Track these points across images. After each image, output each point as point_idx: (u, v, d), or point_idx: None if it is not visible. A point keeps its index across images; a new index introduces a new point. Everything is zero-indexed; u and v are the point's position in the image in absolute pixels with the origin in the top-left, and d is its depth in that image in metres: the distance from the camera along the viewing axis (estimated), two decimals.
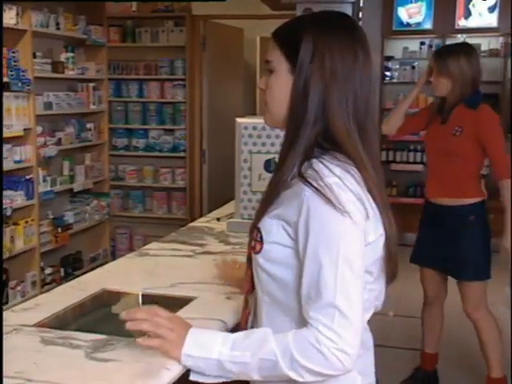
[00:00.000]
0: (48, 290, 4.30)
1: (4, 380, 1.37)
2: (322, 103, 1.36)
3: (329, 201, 1.27)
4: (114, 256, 5.91)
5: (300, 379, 1.28)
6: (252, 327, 1.50)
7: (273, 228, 1.37)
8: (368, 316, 1.44)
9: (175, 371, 1.44)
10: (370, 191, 1.35)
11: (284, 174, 1.37)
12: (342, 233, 1.28)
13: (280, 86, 1.42)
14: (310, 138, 1.36)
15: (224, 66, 7.39)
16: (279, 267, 1.37)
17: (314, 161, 1.33)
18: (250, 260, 1.47)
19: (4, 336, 1.59)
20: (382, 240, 1.38)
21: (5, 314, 1.82)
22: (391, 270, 1.43)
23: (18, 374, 1.39)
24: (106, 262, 5.36)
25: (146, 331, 1.39)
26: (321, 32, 1.39)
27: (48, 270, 4.80)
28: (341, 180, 1.30)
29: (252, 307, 1.53)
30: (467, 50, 3.38)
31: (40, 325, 1.72)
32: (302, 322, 1.33)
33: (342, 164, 1.32)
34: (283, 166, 1.38)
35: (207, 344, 1.37)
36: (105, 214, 5.58)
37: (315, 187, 1.29)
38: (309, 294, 1.28)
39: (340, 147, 1.35)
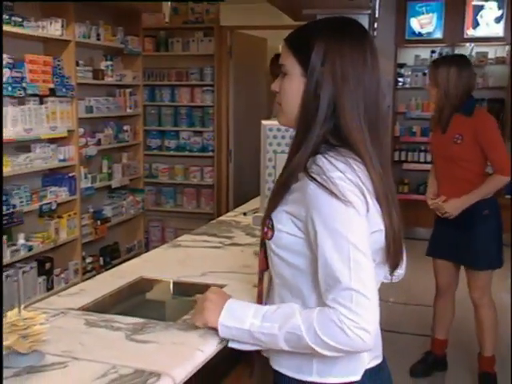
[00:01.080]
0: (89, 278, 4.35)
1: (52, 358, 1.38)
2: (333, 104, 1.35)
3: (332, 193, 1.26)
4: (147, 247, 5.94)
5: (324, 353, 1.29)
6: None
7: (283, 219, 1.38)
8: None
9: (208, 352, 1.46)
10: (373, 187, 1.33)
11: (294, 168, 1.37)
12: (348, 222, 1.27)
13: (293, 88, 1.41)
14: (319, 136, 1.35)
15: (249, 72, 7.38)
16: (290, 253, 1.38)
17: (319, 156, 1.32)
18: (263, 243, 1.47)
19: (51, 318, 1.61)
20: (382, 233, 1.36)
21: (52, 298, 1.84)
22: (393, 260, 1.41)
23: (65, 353, 1.41)
24: (141, 253, 5.43)
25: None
26: (331, 37, 1.38)
27: (88, 259, 4.83)
28: (343, 174, 1.29)
29: (266, 288, 1.53)
30: (459, 61, 3.31)
31: (84, 309, 1.74)
32: (312, 305, 1.35)
33: (346, 159, 1.31)
34: (293, 161, 1.38)
35: (240, 316, 1.40)
36: (139, 208, 5.60)
37: (319, 181, 1.28)
38: (327, 282, 1.28)
39: (348, 144, 1.34)
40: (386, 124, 1.45)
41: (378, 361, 1.47)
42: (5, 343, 1.36)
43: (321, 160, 1.30)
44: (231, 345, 1.44)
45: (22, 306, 1.41)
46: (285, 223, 1.37)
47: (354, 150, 1.33)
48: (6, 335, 1.36)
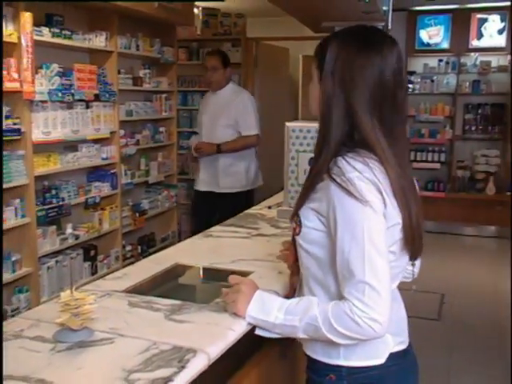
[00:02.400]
0: (128, 264, 4.39)
1: (101, 334, 1.40)
2: (345, 107, 1.33)
3: (351, 194, 1.26)
4: (179, 237, 5.95)
5: (338, 341, 1.30)
6: (299, 294, 1.52)
7: (309, 216, 1.37)
8: (394, 286, 1.43)
9: (239, 332, 1.46)
10: (390, 183, 1.31)
11: (318, 170, 1.35)
12: (365, 220, 1.26)
13: (314, 93, 1.42)
14: (338, 138, 1.34)
15: (272, 79, 7.38)
16: (315, 247, 1.38)
17: (339, 158, 1.30)
18: (293, 239, 1.47)
19: (99, 299, 1.62)
20: (399, 226, 1.34)
21: (99, 281, 1.86)
22: (414, 252, 1.40)
23: (112, 330, 1.43)
24: (174, 242, 5.48)
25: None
26: (341, 43, 1.35)
27: (128, 247, 4.87)
28: (361, 173, 1.27)
29: (298, 280, 1.54)
30: None
31: (127, 291, 1.76)
32: (335, 294, 1.35)
33: (364, 159, 1.30)
34: (318, 162, 1.37)
35: (267, 309, 1.42)
36: (173, 202, 5.62)
37: (338, 182, 1.27)
38: (343, 275, 1.29)
39: (365, 145, 1.32)
40: (403, 123, 1.42)
41: (404, 346, 1.45)
42: (59, 320, 1.39)
43: (341, 162, 1.29)
44: (257, 332, 1.46)
45: (74, 288, 1.43)
46: (311, 219, 1.36)
47: (371, 150, 1.32)
48: (60, 313, 1.39)
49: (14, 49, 3.31)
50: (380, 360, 1.39)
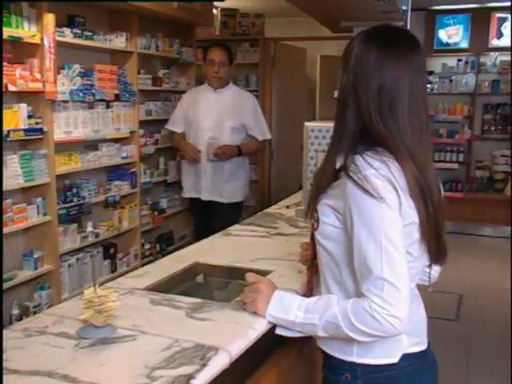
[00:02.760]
0: (147, 262, 4.41)
1: (123, 331, 1.41)
2: (358, 107, 1.34)
3: (366, 191, 1.26)
4: (197, 235, 5.97)
5: (359, 338, 1.30)
6: (316, 292, 1.53)
7: (326, 212, 1.38)
8: (411, 286, 1.41)
9: (259, 330, 1.46)
10: (407, 182, 1.30)
11: (328, 165, 1.37)
12: (381, 217, 1.26)
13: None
14: (350, 137, 1.34)
15: (290, 79, 7.37)
16: (332, 243, 1.38)
17: (357, 156, 1.31)
18: (313, 236, 1.47)
19: (121, 296, 1.64)
20: (416, 226, 1.33)
21: (121, 279, 1.87)
22: (433, 253, 1.39)
23: (134, 327, 1.44)
24: (191, 241, 5.47)
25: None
26: (362, 42, 1.36)
27: (147, 246, 4.89)
28: (377, 171, 1.27)
29: (316, 278, 1.54)
30: None
31: (148, 289, 1.76)
32: (352, 291, 1.36)
33: (381, 158, 1.30)
34: (330, 158, 1.37)
35: (286, 308, 1.43)
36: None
37: (355, 180, 1.27)
38: (361, 272, 1.29)
39: (380, 144, 1.32)
40: (425, 123, 1.41)
41: (421, 347, 1.44)
42: (82, 317, 1.40)
43: (358, 159, 1.30)
44: (278, 331, 1.47)
45: (97, 285, 1.44)
46: (328, 216, 1.37)
47: (387, 149, 1.32)
48: (83, 310, 1.40)
49: (36, 50, 3.34)
50: (393, 359, 1.38)
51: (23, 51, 3.32)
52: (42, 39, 3.34)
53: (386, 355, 1.38)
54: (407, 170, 1.31)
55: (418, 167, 1.33)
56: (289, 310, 1.42)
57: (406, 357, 1.39)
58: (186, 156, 4.03)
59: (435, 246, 1.38)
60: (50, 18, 3.33)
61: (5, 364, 1.23)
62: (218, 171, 3.97)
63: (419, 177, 1.32)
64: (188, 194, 4.18)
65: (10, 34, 3.13)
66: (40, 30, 3.34)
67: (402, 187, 1.29)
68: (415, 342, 1.43)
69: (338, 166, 1.35)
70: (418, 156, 1.35)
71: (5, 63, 3.17)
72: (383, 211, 1.26)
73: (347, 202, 1.30)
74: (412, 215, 1.32)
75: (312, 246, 1.49)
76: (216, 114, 3.94)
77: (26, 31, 3.27)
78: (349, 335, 1.30)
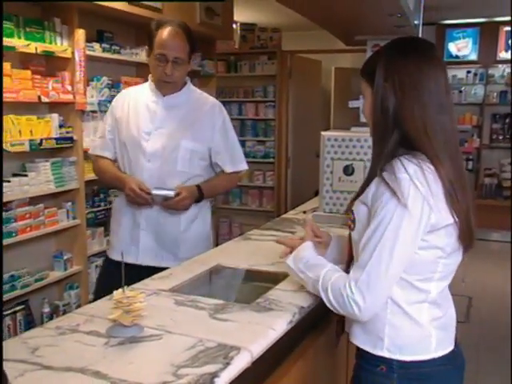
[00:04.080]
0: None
1: (150, 331, 1.41)
2: (397, 114, 1.34)
3: (394, 193, 1.27)
4: (217, 239, 5.98)
5: (330, 308, 1.40)
6: None
7: (360, 211, 1.39)
8: (444, 284, 1.42)
9: (279, 331, 1.45)
10: (443, 186, 1.30)
11: (373, 171, 1.38)
12: (398, 222, 1.27)
13: (367, 106, 1.43)
14: (391, 143, 1.34)
15: (305, 91, 7.37)
16: None
17: (395, 159, 1.31)
18: (349, 238, 1.48)
19: (147, 297, 1.64)
20: (453, 226, 1.33)
21: (146, 280, 1.86)
22: (466, 244, 1.39)
23: (160, 327, 1.43)
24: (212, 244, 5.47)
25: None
26: (389, 56, 1.37)
27: None
28: (410, 177, 1.27)
29: None
30: None
31: (173, 290, 1.76)
32: (393, 289, 1.37)
33: (419, 162, 1.29)
34: (372, 165, 1.40)
35: (297, 259, 1.57)
36: (211, 206, 5.61)
37: (386, 181, 1.28)
38: (357, 254, 1.36)
39: (417, 149, 1.32)
40: (453, 125, 1.41)
41: (450, 347, 1.43)
42: (111, 317, 1.40)
43: (395, 162, 1.30)
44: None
45: (126, 287, 1.44)
46: (361, 213, 1.38)
47: (424, 154, 1.32)
48: (113, 310, 1.40)
49: (68, 63, 3.39)
50: (421, 357, 1.38)
51: (55, 65, 3.37)
52: (73, 53, 3.38)
53: (415, 353, 1.39)
54: (443, 173, 1.31)
55: (455, 169, 1.34)
56: (298, 260, 1.56)
57: (436, 357, 1.39)
58: (128, 197, 2.32)
59: (468, 239, 1.38)
60: (80, 34, 3.37)
61: (39, 360, 1.24)
62: (169, 222, 2.40)
63: (454, 178, 1.32)
64: (116, 254, 2.38)
65: (44, 49, 3.18)
66: (71, 45, 3.39)
67: (437, 191, 1.29)
68: (444, 340, 1.42)
69: (377, 170, 1.36)
70: (454, 158, 1.35)
71: (38, 76, 3.22)
72: (402, 218, 1.27)
73: (378, 201, 1.31)
74: (447, 217, 1.32)
75: (349, 249, 1.50)
76: (166, 130, 2.35)
77: (58, 46, 3.31)
78: (324, 300, 1.41)
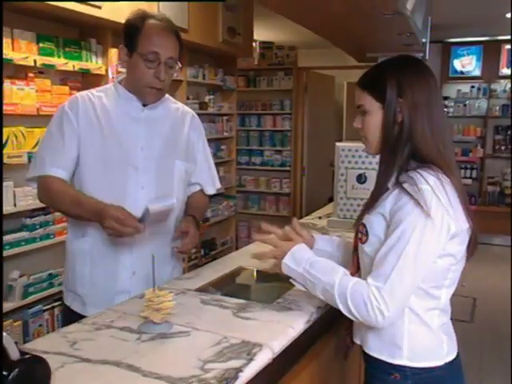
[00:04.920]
0: (193, 265, 4.43)
1: (178, 327, 1.42)
2: (409, 128, 1.31)
3: (418, 204, 1.23)
4: (237, 242, 5.98)
5: (345, 313, 1.31)
6: None
7: (374, 223, 1.34)
8: (452, 291, 1.39)
9: (297, 329, 1.45)
10: (457, 195, 1.29)
11: (383, 185, 1.34)
12: (421, 231, 1.23)
13: (375, 122, 1.37)
14: (403, 157, 1.32)
15: (320, 104, 7.37)
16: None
17: (412, 172, 1.28)
18: (355, 249, 1.44)
19: (175, 296, 1.64)
20: (468, 232, 1.32)
21: (174, 281, 1.86)
22: (472, 249, 1.37)
23: (188, 324, 1.44)
24: (232, 246, 5.49)
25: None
26: (400, 72, 1.34)
27: (193, 250, 4.89)
28: (432, 189, 1.24)
29: None
30: None
31: (199, 289, 1.76)
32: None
33: (436, 174, 1.27)
34: (382, 179, 1.35)
35: (299, 259, 1.43)
36: (232, 211, 5.63)
37: (409, 192, 1.25)
38: (375, 264, 1.27)
39: (430, 162, 1.29)
40: (451, 138, 1.40)
41: (456, 351, 1.41)
42: (143, 314, 1.41)
43: (415, 175, 1.27)
44: (292, 280, 1.47)
45: (156, 287, 1.45)
46: (375, 226, 1.34)
47: (436, 165, 1.29)
48: (144, 308, 1.41)
49: (102, 79, 3.42)
50: (437, 362, 1.35)
51: (91, 81, 3.40)
52: (106, 70, 3.42)
53: (432, 359, 1.35)
54: (456, 181, 1.29)
55: (459, 179, 1.33)
56: (300, 261, 1.42)
57: (447, 362, 1.37)
58: (108, 230, 1.61)
59: (475, 246, 1.36)
60: (113, 53, 3.41)
61: (78, 353, 1.25)
62: (160, 253, 1.77)
63: (461, 188, 1.31)
64: (93, 309, 1.68)
65: (81, 67, 3.22)
66: (105, 63, 3.42)
67: (454, 200, 1.27)
68: (452, 347, 1.40)
69: (390, 184, 1.33)
70: (457, 169, 1.35)
71: (75, 91, 3.25)
72: (426, 227, 1.23)
73: (400, 212, 1.26)
74: (463, 223, 1.30)
75: (355, 261, 1.45)
76: (155, 150, 1.84)
77: (93, 64, 3.35)
78: (339, 307, 1.31)
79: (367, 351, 1.43)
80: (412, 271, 1.24)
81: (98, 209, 1.62)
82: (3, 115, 2.72)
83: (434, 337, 1.36)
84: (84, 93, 1.87)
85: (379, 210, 1.33)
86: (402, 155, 1.31)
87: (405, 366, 1.35)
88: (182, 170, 1.92)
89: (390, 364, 1.37)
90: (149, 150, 1.82)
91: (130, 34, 1.73)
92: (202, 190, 2.05)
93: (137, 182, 1.79)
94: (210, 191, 2.07)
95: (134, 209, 1.64)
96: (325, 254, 1.58)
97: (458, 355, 1.41)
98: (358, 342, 1.48)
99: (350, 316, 1.30)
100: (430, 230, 1.24)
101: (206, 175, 2.04)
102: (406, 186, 1.26)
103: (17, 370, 0.94)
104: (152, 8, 3.45)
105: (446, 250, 1.30)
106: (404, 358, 1.35)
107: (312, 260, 1.41)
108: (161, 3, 3.64)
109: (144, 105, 1.83)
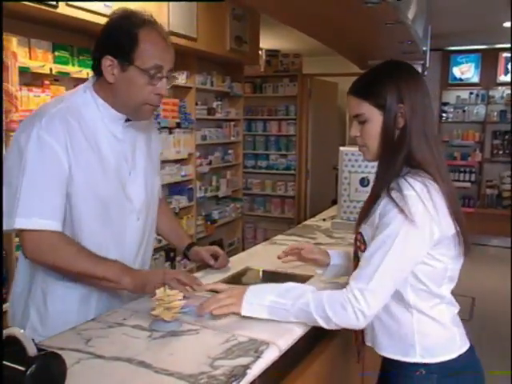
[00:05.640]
0: (201, 265, 4.42)
1: (188, 326, 1.41)
2: (406, 133, 1.30)
3: (402, 210, 1.21)
4: (243, 242, 5.98)
5: (325, 326, 1.29)
6: None
7: (369, 233, 1.33)
8: (452, 285, 1.38)
9: (302, 328, 1.41)
10: (445, 199, 1.27)
11: (380, 190, 1.31)
12: (404, 237, 1.22)
13: (375, 129, 1.34)
14: (399, 161, 1.29)
15: (323, 110, 7.36)
16: None
17: (400, 178, 1.26)
18: (356, 256, 1.42)
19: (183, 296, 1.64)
20: (455, 235, 1.30)
21: None
22: (465, 249, 1.34)
23: (197, 323, 1.42)
24: (239, 247, 5.49)
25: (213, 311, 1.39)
26: (397, 78, 1.32)
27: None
28: (417, 194, 1.22)
29: None
30: None
31: (207, 289, 1.73)
32: (408, 299, 1.31)
33: (423, 179, 1.25)
34: (379, 184, 1.33)
35: (260, 293, 1.37)
36: (238, 213, 5.65)
37: (393, 199, 1.24)
38: (361, 264, 1.26)
39: (421, 166, 1.28)
40: (441, 141, 1.40)
41: (468, 342, 1.40)
42: (154, 312, 1.40)
43: (401, 181, 1.25)
44: (243, 312, 1.37)
45: (167, 286, 1.45)
46: (370, 236, 1.32)
47: (426, 171, 1.27)
48: (155, 306, 1.41)
49: None
50: (450, 356, 1.34)
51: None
52: None
53: (445, 353, 1.34)
54: (444, 187, 1.27)
55: (449, 183, 1.31)
56: (263, 295, 1.35)
57: (461, 354, 1.36)
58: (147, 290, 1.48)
59: (467, 245, 1.34)
60: None
61: (92, 350, 1.25)
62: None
63: (451, 192, 1.30)
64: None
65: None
66: None
67: (440, 204, 1.26)
68: (462, 333, 1.39)
69: (384, 190, 1.30)
70: (447, 172, 1.33)
71: None
72: (408, 233, 1.22)
73: (384, 218, 1.25)
74: (451, 227, 1.28)
75: (355, 267, 1.41)
76: (138, 171, 1.60)
77: None
78: (320, 324, 1.29)
79: (379, 352, 1.41)
80: (393, 274, 1.24)
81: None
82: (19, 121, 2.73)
83: (445, 331, 1.34)
84: (60, 104, 1.47)
85: (371, 221, 1.32)
86: (397, 160, 1.29)
87: (426, 363, 1.33)
88: (159, 185, 1.74)
89: (409, 362, 1.34)
90: (135, 173, 1.57)
91: (122, 44, 1.42)
92: (161, 199, 1.83)
93: (133, 214, 1.58)
94: (160, 196, 1.83)
95: (134, 244, 1.60)
96: (342, 268, 1.63)
97: (470, 345, 1.40)
98: (369, 344, 1.45)
99: (329, 327, 1.28)
100: (414, 235, 1.23)
101: (159, 185, 1.78)
102: (392, 193, 1.25)
103: (34, 365, 0.94)
104: (162, 15, 3.46)
105: (440, 252, 1.29)
106: (418, 356, 1.33)
107: (275, 289, 1.35)
108: (171, 12, 3.65)
109: (126, 120, 1.53)
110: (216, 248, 1.90)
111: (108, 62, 1.45)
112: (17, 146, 1.42)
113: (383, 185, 1.30)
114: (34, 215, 1.38)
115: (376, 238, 1.25)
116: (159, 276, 1.50)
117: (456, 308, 1.39)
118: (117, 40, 1.44)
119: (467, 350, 1.37)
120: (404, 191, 1.23)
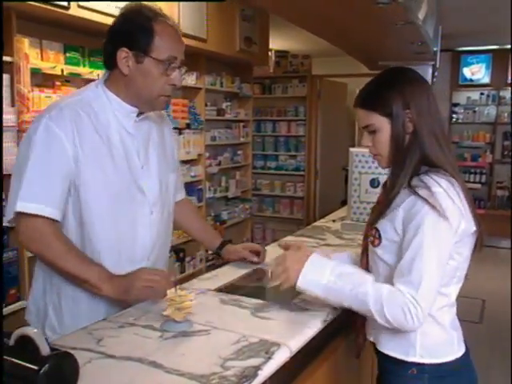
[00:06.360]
0: (210, 265, 4.43)
1: (199, 326, 1.42)
2: (416, 137, 1.32)
3: (434, 208, 1.22)
4: (252, 243, 5.96)
5: (378, 320, 1.27)
6: None
7: (387, 228, 1.33)
8: (459, 286, 1.38)
9: (314, 329, 1.43)
10: (465, 196, 1.29)
11: (395, 191, 1.33)
12: (440, 235, 1.23)
13: (385, 137, 1.36)
14: (412, 163, 1.31)
15: (333, 110, 7.35)
16: (390, 255, 1.34)
17: (424, 176, 1.27)
18: (365, 250, 1.43)
19: (195, 296, 1.64)
20: (475, 233, 1.31)
21: (194, 281, 1.85)
22: (478, 250, 1.35)
23: (208, 323, 1.43)
24: None
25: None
26: (401, 85, 1.33)
27: (210, 251, 4.90)
28: (445, 191, 1.24)
29: None
30: None
31: (218, 290, 1.75)
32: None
33: (447, 177, 1.27)
34: (394, 186, 1.33)
35: (321, 269, 1.34)
36: (247, 213, 5.65)
37: (423, 197, 1.24)
38: (401, 271, 1.25)
39: (437, 165, 1.29)
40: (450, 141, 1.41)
41: (464, 346, 1.41)
42: (165, 313, 1.41)
43: (426, 178, 1.27)
44: (299, 284, 1.36)
45: (178, 287, 1.45)
46: (388, 231, 1.33)
47: (444, 170, 1.29)
48: (166, 307, 1.41)
49: None
50: (448, 358, 1.35)
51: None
52: None
53: (444, 355, 1.35)
54: (461, 184, 1.30)
55: (463, 183, 1.33)
56: (323, 270, 1.32)
57: (458, 357, 1.37)
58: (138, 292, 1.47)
59: (481, 244, 1.35)
60: None
61: (103, 349, 1.25)
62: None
63: (468, 191, 1.31)
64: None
65: None
66: None
67: (464, 203, 1.28)
68: (459, 337, 1.39)
69: (400, 189, 1.32)
70: (459, 172, 1.34)
71: None
72: (444, 229, 1.23)
73: (416, 217, 1.25)
74: (473, 224, 1.30)
75: (364, 262, 1.45)
76: (153, 166, 1.62)
77: None
78: (372, 314, 1.27)
79: (381, 349, 1.43)
80: (437, 274, 1.24)
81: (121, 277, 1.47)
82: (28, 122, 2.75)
83: (444, 334, 1.36)
84: (72, 103, 1.50)
85: (391, 216, 1.33)
86: (411, 162, 1.31)
87: (422, 363, 1.35)
88: (174, 183, 1.74)
89: (405, 361, 1.37)
90: (148, 168, 1.59)
91: (137, 36, 1.46)
92: (184, 199, 1.93)
93: (146, 208, 1.58)
94: (182, 196, 1.92)
95: (147, 239, 1.58)
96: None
97: (466, 349, 1.41)
98: (371, 339, 1.48)
99: (383, 322, 1.27)
100: (448, 231, 1.24)
101: (178, 180, 1.82)
102: (419, 190, 1.25)
103: (47, 365, 0.94)
104: (173, 16, 3.48)
105: (457, 250, 1.30)
106: (417, 356, 1.35)
107: (336, 269, 1.33)
108: (181, 13, 3.66)
109: (138, 114, 1.56)
110: (252, 244, 2.03)
111: (123, 54, 1.48)
112: (27, 136, 1.46)
113: (400, 184, 1.31)
114: (34, 200, 1.40)
115: (412, 240, 1.24)
116: (140, 280, 1.46)
117: (454, 310, 1.40)
118: (132, 32, 1.47)
119: (463, 354, 1.38)
120: (432, 188, 1.24)
